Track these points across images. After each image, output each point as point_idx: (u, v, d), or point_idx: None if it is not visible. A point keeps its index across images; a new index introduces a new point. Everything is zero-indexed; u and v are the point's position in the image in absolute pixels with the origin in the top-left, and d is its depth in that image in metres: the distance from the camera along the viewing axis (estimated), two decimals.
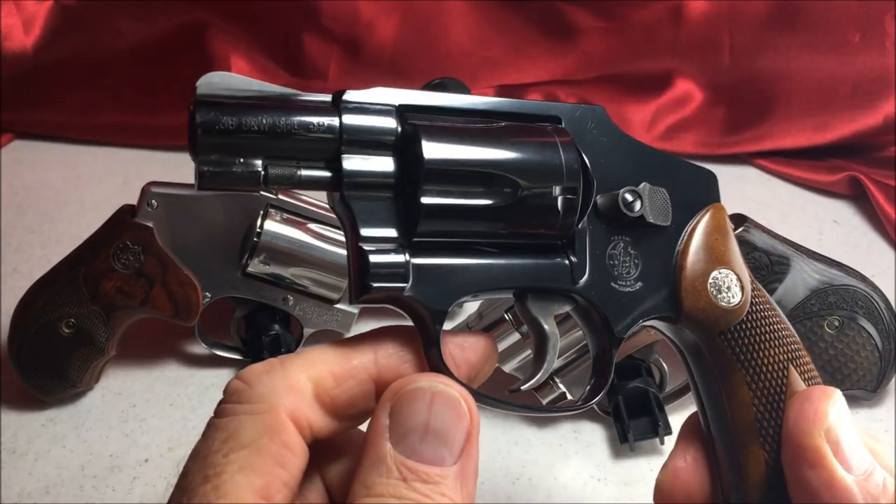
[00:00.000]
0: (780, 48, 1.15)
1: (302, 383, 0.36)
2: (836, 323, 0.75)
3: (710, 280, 0.44)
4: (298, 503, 0.39)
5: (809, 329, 0.75)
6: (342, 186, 0.37)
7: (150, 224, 0.75)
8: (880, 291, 0.76)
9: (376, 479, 0.34)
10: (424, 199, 0.38)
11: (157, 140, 1.21)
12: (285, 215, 0.78)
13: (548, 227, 0.41)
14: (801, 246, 0.76)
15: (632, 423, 0.74)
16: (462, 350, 0.41)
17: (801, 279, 0.74)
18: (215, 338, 0.82)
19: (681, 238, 0.44)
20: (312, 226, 0.79)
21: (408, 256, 0.38)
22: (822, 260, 0.76)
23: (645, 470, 0.73)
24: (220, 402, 0.37)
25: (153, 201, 0.75)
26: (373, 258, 0.37)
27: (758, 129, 1.18)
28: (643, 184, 0.43)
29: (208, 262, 0.77)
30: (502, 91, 1.20)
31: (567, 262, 0.42)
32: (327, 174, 0.38)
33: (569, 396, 0.75)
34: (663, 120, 1.19)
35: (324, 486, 0.40)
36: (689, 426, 0.47)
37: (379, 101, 0.39)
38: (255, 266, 0.77)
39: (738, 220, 0.75)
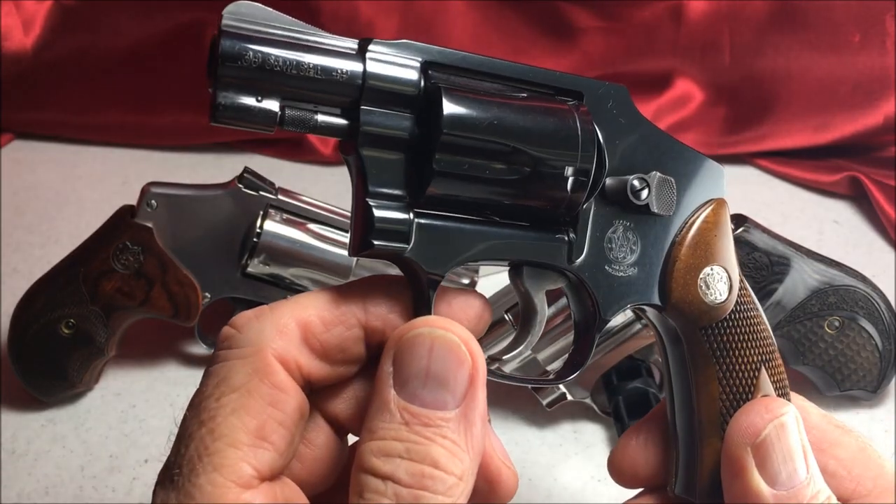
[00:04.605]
0: (780, 48, 1.15)
1: (291, 328, 0.37)
2: (837, 323, 0.75)
3: (701, 275, 0.44)
4: (303, 445, 0.40)
5: (810, 329, 0.75)
6: (358, 137, 0.37)
7: (149, 224, 0.75)
8: (880, 292, 0.76)
9: (380, 423, 0.35)
10: (438, 162, 0.37)
11: (157, 140, 1.21)
12: (285, 215, 0.78)
13: (555, 203, 0.41)
14: (801, 246, 0.76)
15: (632, 424, 0.73)
16: (450, 307, 0.41)
17: (802, 279, 0.74)
18: (215, 338, 0.82)
19: (679, 229, 0.44)
20: (312, 226, 0.79)
21: (412, 217, 0.38)
22: (823, 260, 0.76)
23: None
24: (214, 350, 0.38)
25: (153, 201, 0.75)
26: (378, 214, 0.37)
27: (758, 129, 1.18)
28: (654, 172, 0.42)
29: (208, 263, 0.77)
30: None
31: (566, 239, 0.42)
32: (344, 122, 0.37)
33: (569, 397, 0.75)
34: (663, 120, 1.19)
35: (332, 431, 0.41)
36: (654, 410, 0.49)
37: (405, 54, 0.38)
38: (255, 266, 0.77)
39: (739, 220, 0.75)
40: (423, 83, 0.38)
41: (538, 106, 0.40)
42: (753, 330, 0.45)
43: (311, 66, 0.36)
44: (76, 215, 1.06)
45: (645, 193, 0.42)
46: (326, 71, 0.36)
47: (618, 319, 0.73)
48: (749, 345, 0.44)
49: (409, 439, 0.34)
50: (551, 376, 0.74)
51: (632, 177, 0.42)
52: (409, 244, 0.38)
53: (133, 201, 0.76)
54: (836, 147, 1.17)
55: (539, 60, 1.19)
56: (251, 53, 0.35)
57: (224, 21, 0.35)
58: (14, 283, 0.89)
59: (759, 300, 0.73)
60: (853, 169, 1.13)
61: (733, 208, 0.75)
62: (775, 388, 0.45)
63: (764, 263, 0.73)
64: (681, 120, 1.20)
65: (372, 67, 0.37)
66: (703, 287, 0.44)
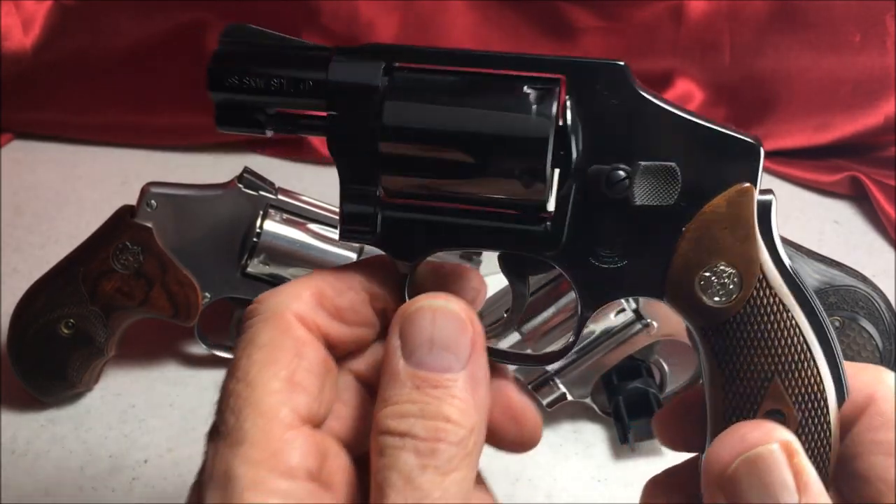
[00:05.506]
0: (780, 48, 1.15)
1: (306, 294, 0.40)
2: (837, 324, 0.75)
3: (703, 272, 0.40)
4: (340, 403, 0.42)
5: None
6: (329, 137, 0.41)
7: (149, 224, 0.75)
8: (881, 292, 0.76)
9: (392, 392, 0.37)
10: (384, 165, 0.40)
11: (156, 140, 1.21)
12: (285, 215, 0.78)
13: (515, 196, 0.39)
14: (802, 246, 0.76)
15: (632, 424, 0.73)
16: (445, 281, 0.44)
17: None
18: (215, 338, 0.82)
19: (689, 219, 0.40)
20: (312, 226, 0.79)
21: (377, 210, 0.41)
22: (823, 260, 0.76)
23: (645, 471, 0.73)
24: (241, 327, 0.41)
25: (152, 201, 0.75)
26: (346, 208, 0.41)
27: (758, 129, 1.18)
28: (639, 163, 0.39)
29: (208, 263, 0.77)
30: None
31: (542, 228, 0.40)
32: (320, 122, 0.41)
33: (569, 397, 0.75)
34: None
35: (366, 392, 0.43)
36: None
37: (368, 58, 0.40)
38: (255, 266, 0.77)
39: None
40: (384, 85, 0.40)
41: (491, 95, 0.39)
42: (768, 336, 0.40)
43: (281, 80, 0.40)
44: (76, 215, 1.06)
45: (625, 186, 0.39)
46: (294, 83, 0.40)
47: (618, 319, 0.73)
48: (759, 352, 0.40)
49: (421, 400, 0.37)
50: (547, 369, 0.74)
51: (610, 167, 0.39)
52: (374, 236, 0.41)
53: (133, 201, 0.76)
54: (837, 147, 1.16)
55: None
56: (232, 79, 0.41)
57: (218, 47, 0.42)
58: (14, 283, 0.89)
59: None
60: (853, 169, 1.13)
61: None
62: (794, 402, 0.40)
63: None
64: None
65: (333, 75, 0.40)
66: (703, 285, 0.40)
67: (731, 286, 0.40)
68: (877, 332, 0.75)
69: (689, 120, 0.40)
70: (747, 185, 0.40)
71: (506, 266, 0.44)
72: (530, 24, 1.18)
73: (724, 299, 0.40)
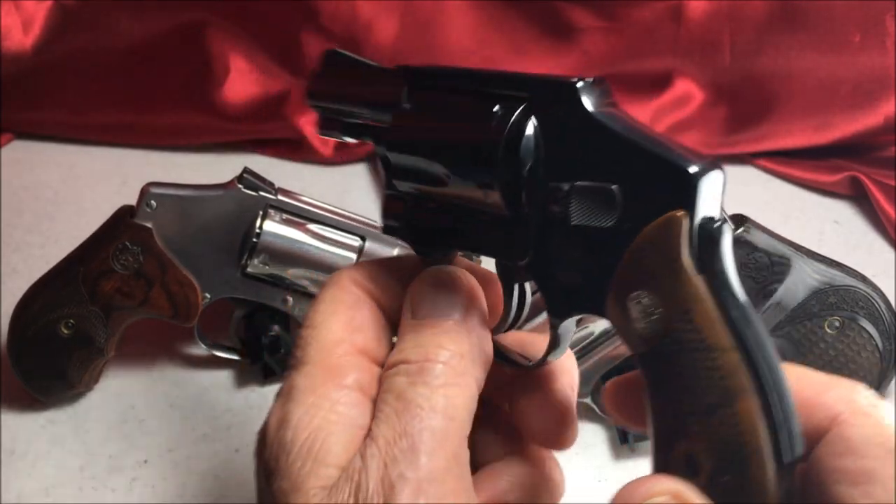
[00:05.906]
0: (780, 48, 1.15)
1: (362, 268, 0.47)
2: (837, 324, 0.75)
3: (628, 301, 0.38)
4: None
5: (810, 330, 0.75)
6: (374, 144, 0.47)
7: (149, 225, 0.75)
8: (881, 292, 0.76)
9: (399, 342, 0.43)
10: (392, 172, 0.46)
11: (156, 140, 1.21)
12: (284, 216, 0.78)
13: (482, 206, 0.43)
14: (802, 246, 0.76)
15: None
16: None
17: (802, 279, 0.74)
18: (214, 338, 0.82)
19: (631, 241, 0.39)
20: (312, 226, 0.79)
21: (404, 208, 0.46)
22: (823, 260, 0.76)
23: (645, 471, 0.73)
24: None
25: (152, 202, 0.75)
26: (384, 204, 0.47)
27: (758, 129, 1.18)
28: (576, 183, 0.39)
29: (207, 263, 0.77)
30: None
31: (516, 238, 0.43)
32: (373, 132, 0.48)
33: None
34: (664, 120, 1.19)
35: None
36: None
37: (399, 79, 0.46)
38: (255, 267, 0.77)
39: (739, 220, 0.75)
40: (406, 104, 0.45)
41: (458, 118, 0.43)
42: (686, 375, 0.37)
43: (346, 96, 0.48)
44: (76, 215, 1.06)
45: (562, 206, 0.40)
46: (352, 99, 0.48)
47: None
48: (677, 390, 0.37)
49: (417, 339, 0.42)
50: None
51: (555, 185, 0.40)
52: (404, 230, 0.47)
53: (133, 201, 0.76)
54: (837, 147, 1.16)
55: (539, 60, 1.19)
56: (319, 94, 0.50)
57: (317, 69, 0.50)
58: (14, 283, 0.89)
59: (760, 300, 0.73)
60: (853, 169, 1.13)
61: (734, 209, 0.75)
62: (707, 448, 0.36)
63: (764, 263, 0.73)
64: (681, 120, 1.20)
65: (374, 95, 0.47)
66: (630, 313, 0.38)
67: (654, 317, 0.38)
68: (877, 332, 0.75)
69: (632, 142, 0.39)
70: (680, 213, 0.37)
71: (499, 271, 0.47)
72: (530, 24, 1.18)
73: (647, 330, 0.38)
